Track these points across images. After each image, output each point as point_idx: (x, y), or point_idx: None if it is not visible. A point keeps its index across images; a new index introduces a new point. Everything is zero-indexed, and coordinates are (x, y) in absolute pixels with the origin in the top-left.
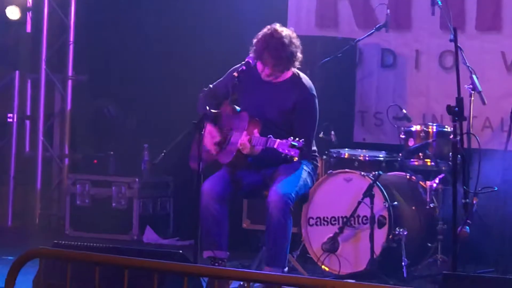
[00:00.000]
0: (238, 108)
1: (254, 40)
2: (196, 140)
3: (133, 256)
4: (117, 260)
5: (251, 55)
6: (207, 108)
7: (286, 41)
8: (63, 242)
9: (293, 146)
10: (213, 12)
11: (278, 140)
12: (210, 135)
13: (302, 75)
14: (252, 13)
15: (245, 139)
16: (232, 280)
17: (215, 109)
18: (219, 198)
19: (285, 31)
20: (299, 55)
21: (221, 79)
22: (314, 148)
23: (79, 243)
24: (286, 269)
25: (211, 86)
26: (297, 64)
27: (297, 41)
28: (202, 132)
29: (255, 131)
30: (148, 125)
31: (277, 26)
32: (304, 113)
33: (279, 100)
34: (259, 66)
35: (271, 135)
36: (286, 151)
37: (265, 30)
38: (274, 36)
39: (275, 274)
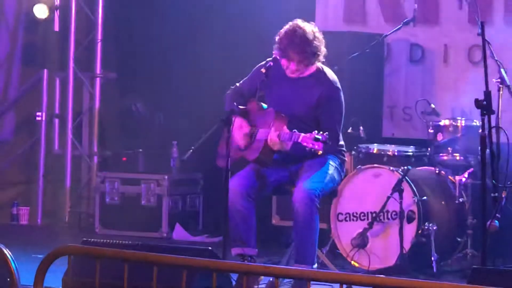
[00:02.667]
0: (265, 105)
1: (277, 37)
2: (223, 138)
3: (162, 253)
4: (146, 257)
5: (275, 51)
6: (235, 104)
7: (310, 36)
8: (92, 239)
9: (317, 140)
10: (240, 9)
11: (302, 134)
12: (239, 127)
13: (326, 69)
14: (279, 10)
15: (274, 135)
16: (261, 276)
17: (242, 106)
18: (246, 195)
19: (307, 26)
20: (323, 49)
21: (247, 77)
22: (342, 142)
23: (107, 241)
24: (316, 265)
25: (237, 84)
26: (321, 58)
27: (320, 36)
28: (230, 129)
29: (284, 127)
30: (176, 122)
31: (299, 21)
32: (329, 106)
33: (304, 95)
34: (284, 62)
35: (295, 130)
36: (310, 145)
37: (287, 26)
38: (297, 32)
39: (304, 269)
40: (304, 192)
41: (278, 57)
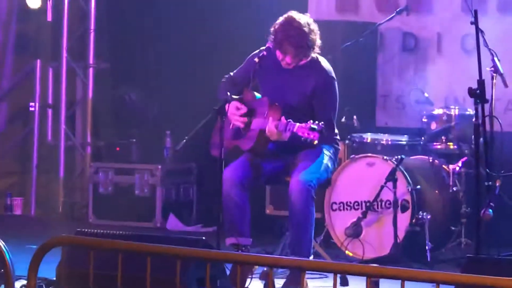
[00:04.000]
0: (258, 94)
1: (272, 29)
2: (217, 128)
3: (156, 243)
4: (140, 247)
5: (270, 41)
6: (228, 93)
7: (306, 29)
8: (86, 230)
9: (312, 129)
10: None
11: (297, 123)
12: (235, 108)
13: (320, 58)
14: (272, 1)
15: (272, 126)
16: (255, 265)
17: (235, 96)
18: (240, 184)
19: (302, 19)
20: (318, 41)
21: (240, 66)
22: (336, 131)
23: (101, 231)
24: (312, 257)
25: (231, 74)
26: (316, 50)
27: (315, 27)
28: (224, 118)
29: (280, 117)
30: (169, 112)
31: (294, 14)
32: (324, 96)
33: (299, 85)
34: (279, 54)
35: (290, 120)
36: (306, 134)
37: (282, 19)
38: (293, 25)
39: (298, 259)
40: (300, 183)
41: (271, 46)
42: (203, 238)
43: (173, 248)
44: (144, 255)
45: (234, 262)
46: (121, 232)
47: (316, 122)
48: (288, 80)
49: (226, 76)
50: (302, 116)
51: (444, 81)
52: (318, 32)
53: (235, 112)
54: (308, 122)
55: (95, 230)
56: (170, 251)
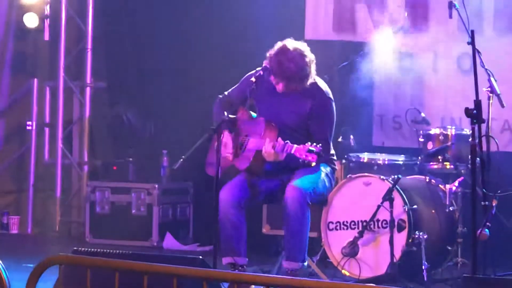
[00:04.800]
0: (254, 114)
1: (268, 56)
2: (213, 147)
3: (152, 261)
4: (136, 266)
5: (266, 56)
6: (225, 113)
7: (300, 62)
8: (83, 249)
9: (311, 151)
10: (229, 17)
11: (295, 145)
12: (224, 145)
13: (317, 79)
14: (269, 19)
15: (269, 146)
16: (252, 285)
17: (232, 115)
18: (237, 204)
19: (297, 49)
20: (313, 70)
21: (236, 85)
22: (332, 151)
23: (98, 250)
24: (306, 263)
25: (226, 93)
26: (312, 77)
27: (310, 55)
28: (221, 138)
29: (278, 137)
30: (166, 131)
31: (289, 44)
32: (321, 117)
33: (296, 106)
34: (273, 80)
35: (288, 141)
36: (304, 156)
37: (277, 49)
38: (288, 56)
39: (295, 279)
40: (295, 189)
41: (268, 66)
42: (200, 257)
43: (170, 267)
44: (140, 274)
45: (231, 281)
46: (118, 251)
47: (314, 144)
48: (285, 100)
49: (221, 95)
50: (298, 136)
51: (441, 101)
52: (314, 60)
53: (223, 149)
54: (306, 144)
55: (92, 249)
56: (166, 270)
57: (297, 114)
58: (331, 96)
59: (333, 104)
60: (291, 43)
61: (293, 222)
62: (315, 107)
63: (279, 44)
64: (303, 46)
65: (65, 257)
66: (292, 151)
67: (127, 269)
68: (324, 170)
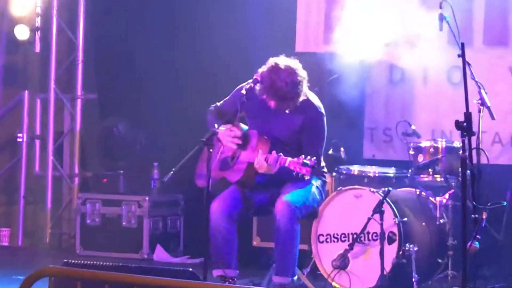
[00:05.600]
0: (245, 126)
1: (259, 73)
2: (203, 158)
3: (142, 274)
4: (126, 278)
5: (258, 73)
6: (216, 126)
7: (292, 80)
8: (73, 261)
9: (305, 165)
10: (221, 29)
11: (289, 158)
12: (229, 131)
13: (310, 94)
14: (261, 32)
15: (262, 159)
16: None
17: (223, 127)
18: (228, 216)
19: (290, 68)
20: (305, 87)
21: (228, 97)
22: (323, 164)
23: (88, 262)
24: (296, 277)
25: (218, 104)
26: (303, 95)
27: (302, 73)
28: (211, 149)
29: (273, 151)
30: (157, 143)
31: (281, 62)
32: (313, 132)
33: (288, 120)
34: (265, 97)
35: (281, 154)
36: (298, 169)
37: (269, 67)
38: (280, 77)
39: None
40: (285, 204)
41: (258, 78)
42: (190, 269)
43: (159, 280)
44: (130, 286)
45: None
46: (107, 263)
47: (309, 157)
48: (277, 115)
49: (213, 105)
50: (289, 149)
51: (431, 114)
52: (306, 78)
53: (228, 134)
54: (300, 157)
55: (82, 261)
56: (156, 283)
57: (288, 128)
58: (322, 111)
59: (325, 118)
60: (283, 61)
61: (283, 238)
62: (307, 122)
63: (271, 62)
64: (295, 64)
65: (55, 269)
66: (286, 164)
67: (116, 281)
68: (315, 183)
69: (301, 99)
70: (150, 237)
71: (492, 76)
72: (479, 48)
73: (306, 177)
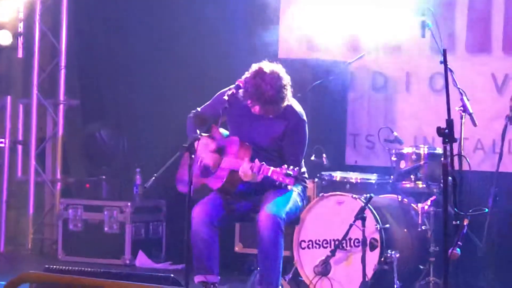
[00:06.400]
0: (226, 132)
1: (243, 79)
2: (183, 164)
3: (124, 280)
4: (106, 284)
5: (241, 79)
6: (198, 132)
7: (276, 84)
8: (54, 266)
9: (288, 175)
10: (204, 36)
11: (272, 168)
12: (205, 144)
13: (292, 100)
14: (244, 38)
15: (247, 167)
16: None
17: (205, 133)
18: (209, 222)
19: (274, 72)
20: (289, 92)
21: (209, 102)
22: (304, 169)
23: (70, 268)
24: (280, 287)
25: (198, 109)
26: (287, 100)
27: (286, 77)
28: (193, 155)
29: (256, 159)
30: (139, 149)
31: (265, 66)
32: (295, 138)
33: (269, 127)
34: (249, 103)
35: (264, 162)
36: (281, 179)
37: (253, 72)
38: (265, 81)
39: None
40: (268, 216)
41: (240, 84)
42: (172, 275)
43: (140, 286)
44: None
45: None
46: (89, 269)
47: (291, 167)
48: (258, 122)
49: (193, 111)
50: (271, 156)
51: (413, 120)
52: (290, 83)
53: (204, 149)
54: (283, 167)
55: (63, 267)
56: None
57: (270, 135)
58: (304, 117)
59: (306, 125)
60: (267, 66)
61: (267, 248)
62: (289, 129)
63: (255, 67)
64: (279, 69)
65: (35, 275)
66: (269, 174)
67: (97, 287)
68: (296, 189)
69: (284, 104)
70: (132, 243)
71: (475, 83)
72: (462, 55)
73: (290, 187)
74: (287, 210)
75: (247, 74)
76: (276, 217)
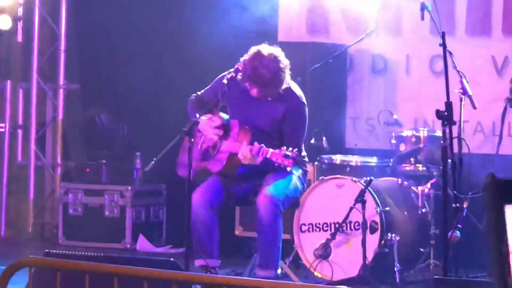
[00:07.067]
0: (226, 115)
1: (242, 61)
2: (184, 148)
3: (123, 264)
4: (106, 268)
5: (240, 61)
6: (197, 115)
7: (274, 67)
8: (54, 251)
9: (286, 156)
10: (204, 21)
11: (271, 149)
12: (209, 120)
13: (291, 83)
14: (243, 22)
15: (247, 150)
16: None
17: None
18: (209, 206)
19: (272, 54)
20: (287, 75)
21: (209, 86)
22: (304, 153)
23: (70, 252)
24: (279, 270)
25: (199, 93)
26: (285, 83)
27: (285, 61)
28: (192, 139)
29: (255, 142)
30: (140, 133)
31: (263, 49)
32: (295, 121)
33: (269, 109)
34: (247, 85)
35: (263, 144)
36: (280, 160)
37: (252, 54)
38: (262, 63)
39: (267, 281)
40: (267, 197)
41: (240, 68)
42: (172, 259)
43: (140, 270)
44: (111, 276)
45: (202, 283)
46: (89, 253)
47: (290, 149)
48: (258, 104)
49: (194, 94)
50: (271, 139)
51: (413, 103)
52: (289, 66)
53: (207, 124)
54: (282, 149)
55: (63, 251)
56: (137, 273)
57: (270, 118)
58: (304, 100)
59: (306, 108)
60: (266, 49)
61: (266, 231)
62: (289, 112)
63: (253, 50)
64: (277, 52)
65: (34, 259)
66: (268, 155)
67: (97, 271)
68: (296, 173)
69: (283, 87)
70: (132, 227)
71: (475, 66)
72: (462, 38)
73: (288, 169)
74: (286, 192)
75: (245, 57)
76: (275, 198)
